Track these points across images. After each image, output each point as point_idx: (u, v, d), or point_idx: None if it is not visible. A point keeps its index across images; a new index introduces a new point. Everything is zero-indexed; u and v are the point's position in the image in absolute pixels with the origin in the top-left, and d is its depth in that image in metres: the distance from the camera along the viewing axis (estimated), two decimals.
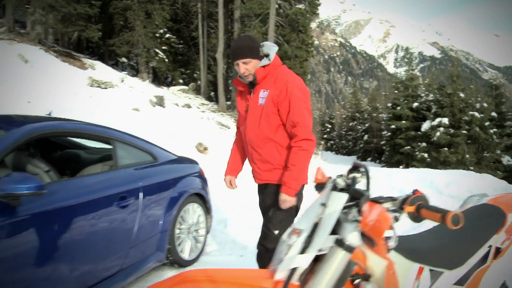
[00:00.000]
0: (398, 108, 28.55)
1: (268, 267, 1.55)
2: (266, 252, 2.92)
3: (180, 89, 27.01)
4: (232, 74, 30.58)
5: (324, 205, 1.52)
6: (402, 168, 21.90)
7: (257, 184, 3.13)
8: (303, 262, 1.43)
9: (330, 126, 60.65)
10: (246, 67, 2.83)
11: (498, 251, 2.05)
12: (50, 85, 14.19)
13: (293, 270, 1.42)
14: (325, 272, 1.45)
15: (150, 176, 3.77)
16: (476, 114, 23.32)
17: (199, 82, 31.73)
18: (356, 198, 1.53)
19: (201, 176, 4.51)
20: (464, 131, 23.03)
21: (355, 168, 1.65)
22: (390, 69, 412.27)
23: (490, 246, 2.00)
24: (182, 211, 4.15)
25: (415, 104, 27.45)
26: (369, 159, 40.29)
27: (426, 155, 24.04)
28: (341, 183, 1.61)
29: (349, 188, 1.57)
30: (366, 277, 1.55)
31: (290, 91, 2.78)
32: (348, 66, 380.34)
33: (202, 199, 4.51)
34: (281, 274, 1.44)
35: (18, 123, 2.93)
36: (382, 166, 27.43)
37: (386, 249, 1.39)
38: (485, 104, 24.77)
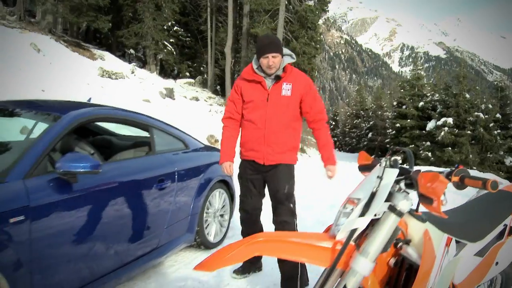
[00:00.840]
0: (404, 107, 28.72)
1: (326, 231, 1.83)
2: (255, 221, 3.67)
3: (187, 82, 27.19)
4: (239, 68, 30.77)
5: (380, 178, 1.78)
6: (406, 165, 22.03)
7: (254, 166, 3.52)
8: (362, 223, 1.71)
9: (334, 123, 60.71)
10: (274, 60, 3.23)
11: (510, 229, 2.35)
12: (62, 75, 14.46)
13: (352, 232, 1.69)
14: (377, 234, 1.72)
15: (183, 162, 4.06)
16: (481, 115, 23.47)
17: (205, 76, 31.93)
18: (403, 174, 1.81)
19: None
20: (469, 132, 23.18)
21: (395, 152, 1.93)
22: (395, 68, 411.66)
23: (505, 225, 2.30)
24: (210, 196, 4.45)
25: (421, 104, 27.58)
26: (372, 156, 40.48)
27: (430, 154, 24.21)
28: (387, 163, 1.88)
29: (397, 166, 1.84)
30: (407, 242, 1.85)
31: (312, 87, 3.44)
32: (353, 64, 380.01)
33: (227, 186, 4.79)
34: (341, 235, 1.70)
35: (69, 108, 3.19)
36: None
37: (440, 207, 1.65)
38: (490, 106, 24.91)
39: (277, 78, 3.35)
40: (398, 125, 28.84)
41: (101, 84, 16.41)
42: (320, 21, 29.41)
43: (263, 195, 3.67)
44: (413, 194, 1.79)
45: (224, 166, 3.60)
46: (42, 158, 2.59)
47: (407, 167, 1.87)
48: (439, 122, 24.17)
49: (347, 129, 54.71)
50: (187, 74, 30.59)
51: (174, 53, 28.32)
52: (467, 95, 23.92)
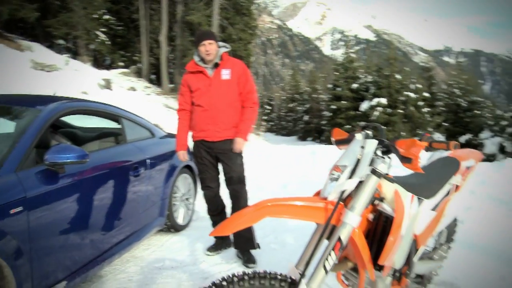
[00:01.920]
0: (338, 89, 29.65)
1: (316, 195, 2.12)
2: (217, 197, 4.16)
3: (121, 72, 26.55)
4: (174, 56, 30.55)
5: (362, 147, 2.10)
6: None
7: (205, 145, 3.97)
8: (351, 185, 2.02)
9: (269, 107, 61.43)
10: (210, 47, 3.76)
11: (456, 188, 2.81)
12: None
13: (342, 193, 2.00)
14: (362, 193, 2.04)
15: (152, 150, 4.26)
16: (411, 94, 24.74)
17: (139, 65, 31.33)
18: (379, 143, 2.14)
19: (188, 149, 4.99)
20: (400, 111, 24.38)
21: (364, 127, 2.26)
22: (327, 51, 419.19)
23: (451, 184, 2.74)
24: (177, 181, 4.67)
25: (355, 85, 28.61)
26: (309, 138, 41.40)
27: None
28: (361, 136, 2.21)
29: (374, 137, 2.16)
30: (382, 199, 2.21)
31: (246, 71, 3.98)
32: (285, 48, 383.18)
33: (191, 170, 5.02)
34: (333, 196, 2.01)
35: (45, 101, 3.28)
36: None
37: (418, 165, 2.00)
38: (419, 86, 26.29)
39: (216, 66, 3.87)
40: (333, 107, 29.78)
41: (35, 77, 15.93)
42: (252, 7, 29.58)
43: (218, 172, 4.13)
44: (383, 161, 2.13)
45: (179, 155, 4.07)
46: (30, 151, 2.71)
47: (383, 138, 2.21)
48: (373, 103, 25.24)
49: (282, 113, 55.56)
50: (121, 63, 29.83)
51: (108, 43, 27.65)
52: (398, 76, 25.10)
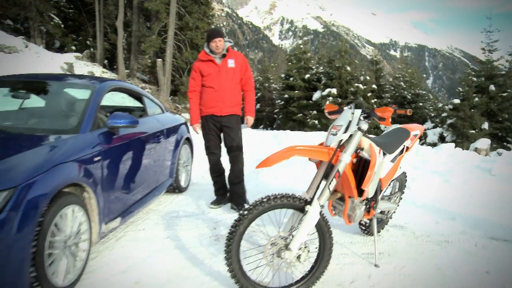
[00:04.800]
0: (291, 79, 30.67)
1: (321, 144, 3.11)
2: (218, 162, 5.15)
3: (75, 56, 26.46)
4: (130, 42, 30.63)
5: (352, 113, 3.09)
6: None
7: (213, 118, 4.94)
8: (345, 137, 3.02)
9: None
10: (220, 43, 4.79)
11: (407, 148, 3.88)
12: None
13: (340, 142, 3.00)
14: (351, 142, 3.04)
15: (165, 122, 5.18)
16: (361, 86, 26.16)
17: (92, 50, 31.15)
18: (363, 112, 3.15)
19: (186, 125, 5.89)
20: (350, 101, 25.75)
21: (350, 102, 3.31)
22: (275, 41, 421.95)
23: (404, 145, 3.80)
24: (182, 149, 5.60)
25: (307, 76, 29.75)
26: (261, 126, 42.38)
27: (317, 122, 26.53)
28: (348, 108, 3.23)
29: (358, 107, 3.20)
30: (362, 149, 3.25)
31: (246, 61, 5.08)
32: (234, 37, 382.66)
33: (190, 142, 5.98)
34: (333, 144, 3.00)
35: (96, 80, 4.19)
36: None
37: (390, 121, 3.09)
38: (368, 77, 27.78)
39: (223, 56, 4.90)
40: (286, 96, 30.78)
41: None
42: None
43: (221, 141, 5.10)
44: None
45: (194, 127, 5.06)
46: (96, 117, 3.56)
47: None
48: (324, 93, 26.45)
49: None
50: (73, 48, 29.54)
51: (63, 26, 27.44)
52: (348, 68, 26.46)
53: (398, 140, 3.78)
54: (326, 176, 3.04)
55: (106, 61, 31.65)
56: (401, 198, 4.41)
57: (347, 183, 3.16)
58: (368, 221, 4.15)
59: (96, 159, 3.25)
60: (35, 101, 4.12)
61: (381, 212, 4.06)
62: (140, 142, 4.23)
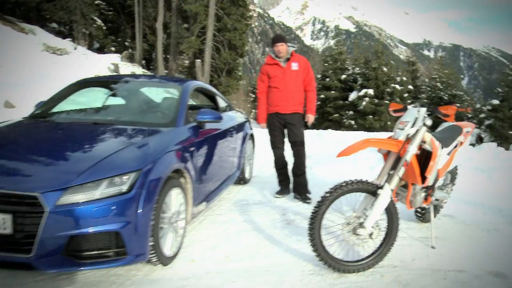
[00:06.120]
0: (328, 79, 31.00)
1: (389, 138, 3.53)
2: (282, 155, 5.66)
3: (119, 57, 27.30)
4: (169, 43, 31.36)
5: (418, 111, 3.50)
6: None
7: (278, 116, 5.46)
8: (412, 131, 3.44)
9: (253, 95, 62.29)
10: (282, 48, 5.33)
11: (461, 143, 4.30)
12: (7, 50, 14.61)
13: (407, 136, 3.43)
14: (417, 136, 3.46)
15: (234, 119, 5.72)
16: (397, 86, 26.38)
17: (131, 50, 31.96)
18: (428, 109, 3.58)
19: (249, 122, 6.42)
20: (387, 101, 25.93)
21: (412, 102, 3.74)
22: (307, 41, 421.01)
23: (458, 140, 4.22)
24: (246, 144, 6.12)
25: (343, 76, 30.04)
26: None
27: (353, 122, 26.82)
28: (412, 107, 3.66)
29: (423, 106, 3.61)
30: (424, 141, 3.62)
31: (308, 64, 5.56)
32: (265, 37, 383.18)
33: (253, 138, 6.50)
34: (401, 137, 3.42)
35: (182, 81, 4.79)
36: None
37: (454, 118, 3.57)
38: (404, 78, 27.91)
39: (287, 60, 5.41)
40: (322, 96, 31.09)
41: (49, 60, 16.84)
42: None
43: (285, 136, 5.60)
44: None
45: (262, 125, 5.66)
46: (186, 113, 4.08)
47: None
48: (361, 93, 26.74)
49: None
50: (112, 48, 30.42)
51: (104, 28, 28.27)
52: (385, 69, 26.64)
53: (453, 136, 4.20)
54: (394, 165, 3.47)
55: (143, 62, 32.49)
56: (452, 190, 4.85)
57: (412, 171, 3.57)
58: (423, 210, 4.61)
59: (191, 149, 3.77)
60: (129, 98, 4.76)
61: (436, 200, 4.49)
62: (218, 136, 4.73)
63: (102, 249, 2.80)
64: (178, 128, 3.84)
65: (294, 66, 5.37)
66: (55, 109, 4.41)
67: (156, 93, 4.79)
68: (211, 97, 5.60)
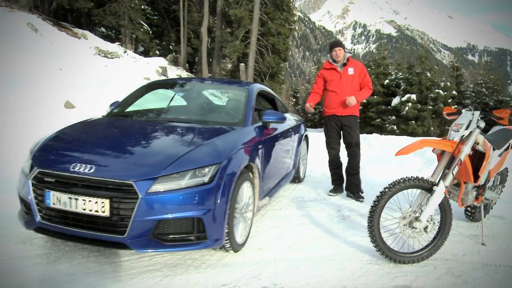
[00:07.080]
0: None
1: (443, 139, 3.80)
2: (338, 155, 5.95)
3: (166, 60, 27.94)
4: (213, 47, 31.97)
5: (472, 114, 3.74)
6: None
7: (334, 118, 5.77)
8: (466, 133, 3.70)
9: (294, 99, 62.39)
10: (339, 52, 5.64)
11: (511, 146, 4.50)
12: (64, 54, 15.32)
13: (462, 137, 3.68)
14: (471, 137, 3.71)
15: (291, 121, 6.02)
16: (441, 92, 26.08)
17: (175, 54, 32.68)
18: (481, 113, 3.80)
19: (304, 123, 6.74)
20: (430, 107, 25.69)
21: (466, 106, 3.90)
22: (348, 45, 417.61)
23: (509, 143, 4.43)
24: (302, 145, 6.43)
25: (386, 81, 29.84)
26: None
27: (395, 127, 26.63)
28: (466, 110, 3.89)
29: (477, 110, 3.82)
30: (478, 143, 3.87)
31: (364, 69, 5.83)
32: (306, 41, 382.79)
33: (307, 139, 6.82)
34: (456, 138, 3.67)
35: (247, 84, 5.15)
36: None
37: (507, 121, 3.80)
38: (448, 83, 27.57)
39: (344, 65, 5.71)
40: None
41: (101, 63, 17.58)
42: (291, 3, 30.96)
43: (341, 137, 5.89)
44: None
45: (307, 106, 5.84)
46: (253, 113, 4.44)
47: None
48: (404, 98, 26.52)
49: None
50: (156, 52, 31.09)
51: (150, 32, 29.05)
52: (428, 74, 26.42)
53: (505, 139, 4.40)
54: (448, 165, 3.71)
55: (187, 65, 33.19)
56: (502, 191, 5.04)
57: (465, 170, 3.82)
58: (473, 209, 4.83)
59: (259, 146, 4.12)
60: (197, 99, 5.19)
61: (486, 200, 4.67)
62: (280, 136, 5.05)
63: (185, 233, 3.15)
64: (247, 128, 4.19)
65: (350, 71, 5.66)
66: (130, 108, 4.84)
67: (219, 94, 5.21)
68: (271, 100, 5.94)
